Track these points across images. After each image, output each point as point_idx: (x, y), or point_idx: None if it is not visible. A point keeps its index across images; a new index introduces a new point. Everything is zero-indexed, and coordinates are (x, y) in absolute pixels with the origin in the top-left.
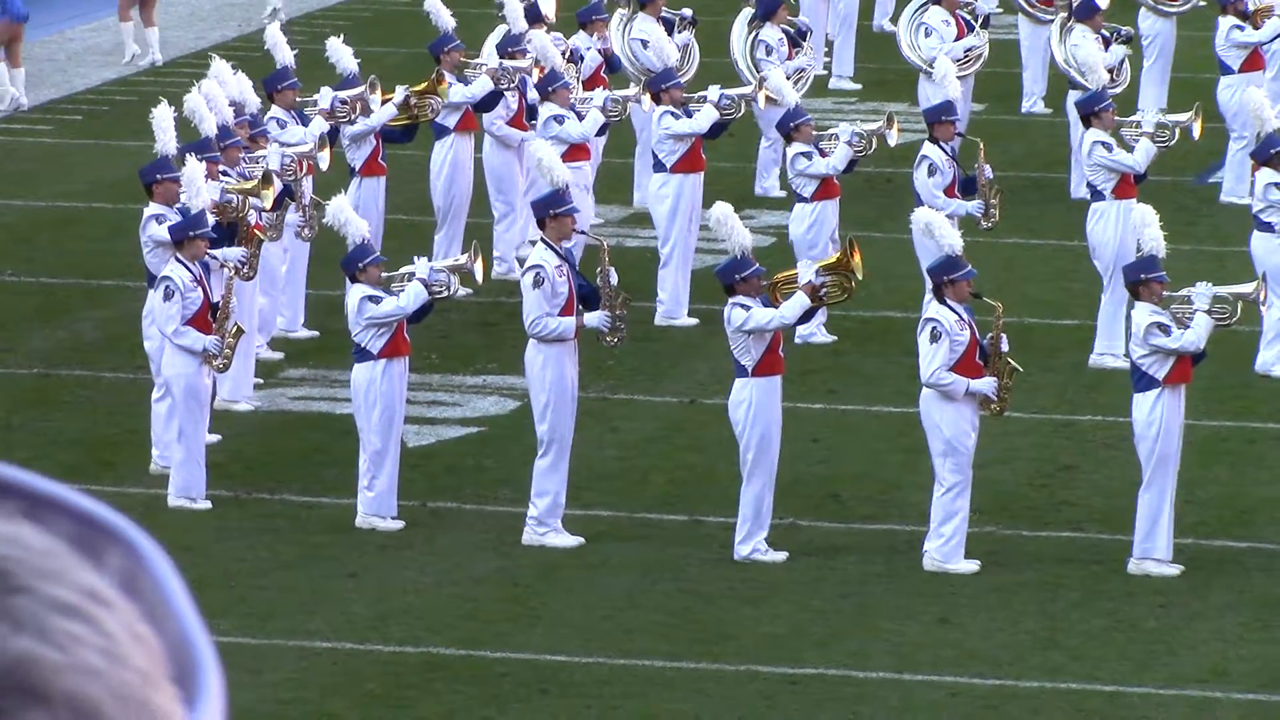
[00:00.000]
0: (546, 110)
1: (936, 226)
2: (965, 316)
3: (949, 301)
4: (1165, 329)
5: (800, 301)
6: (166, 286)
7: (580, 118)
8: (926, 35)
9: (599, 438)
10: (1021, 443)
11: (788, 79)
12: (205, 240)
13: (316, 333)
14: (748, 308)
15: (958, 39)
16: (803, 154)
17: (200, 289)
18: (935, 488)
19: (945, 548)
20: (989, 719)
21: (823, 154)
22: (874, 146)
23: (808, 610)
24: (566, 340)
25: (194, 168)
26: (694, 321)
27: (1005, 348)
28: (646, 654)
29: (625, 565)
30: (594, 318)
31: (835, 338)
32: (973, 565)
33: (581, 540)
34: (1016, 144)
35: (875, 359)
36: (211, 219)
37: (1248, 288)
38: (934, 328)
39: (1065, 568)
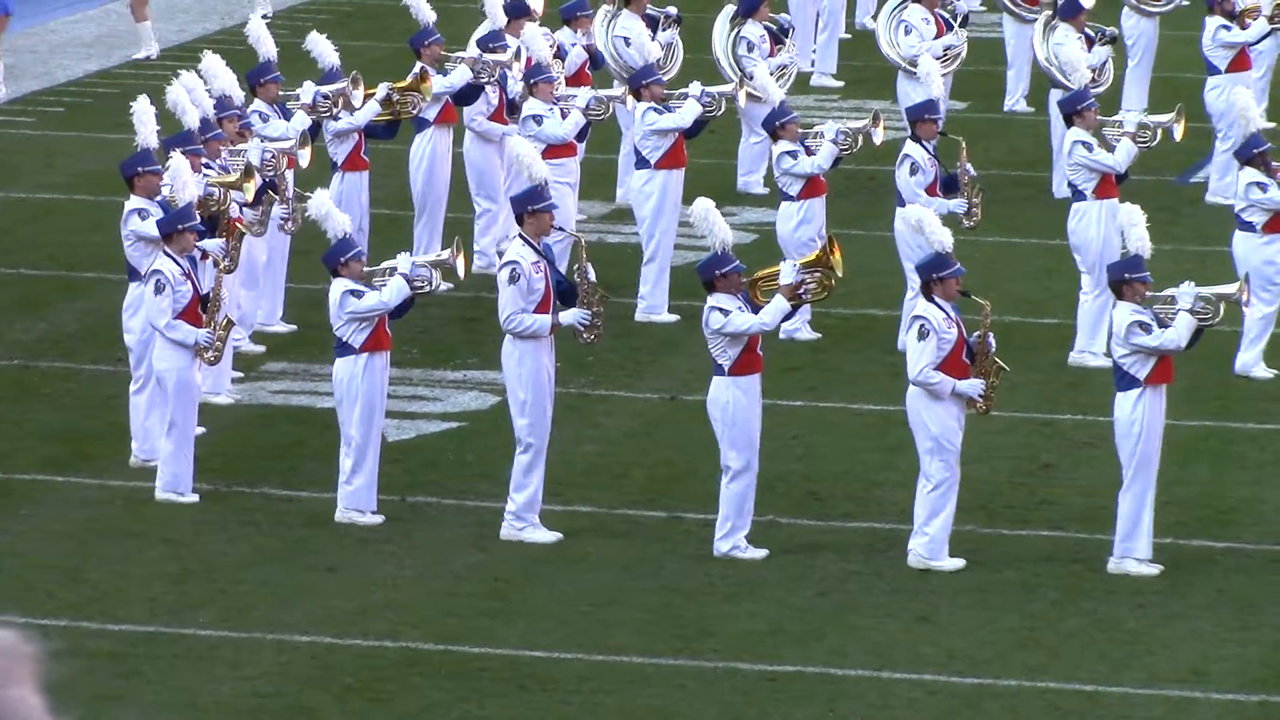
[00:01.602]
0: (528, 108)
1: (927, 223)
2: (953, 314)
3: (937, 299)
4: (1146, 328)
5: (779, 306)
6: (157, 280)
7: (563, 115)
8: (906, 33)
9: (579, 434)
10: (1002, 441)
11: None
12: (194, 233)
13: (294, 326)
14: (726, 311)
15: (937, 37)
16: (788, 153)
17: (190, 282)
18: (920, 484)
19: (930, 545)
20: (967, 717)
21: (809, 152)
22: (859, 144)
23: (787, 608)
24: (542, 337)
25: (180, 162)
26: (674, 318)
27: (993, 347)
28: (626, 650)
29: (605, 561)
30: (570, 315)
31: (819, 335)
32: (958, 563)
33: (560, 536)
34: (999, 142)
35: (856, 357)
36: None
37: (1231, 288)
38: (922, 325)
39: (1045, 567)
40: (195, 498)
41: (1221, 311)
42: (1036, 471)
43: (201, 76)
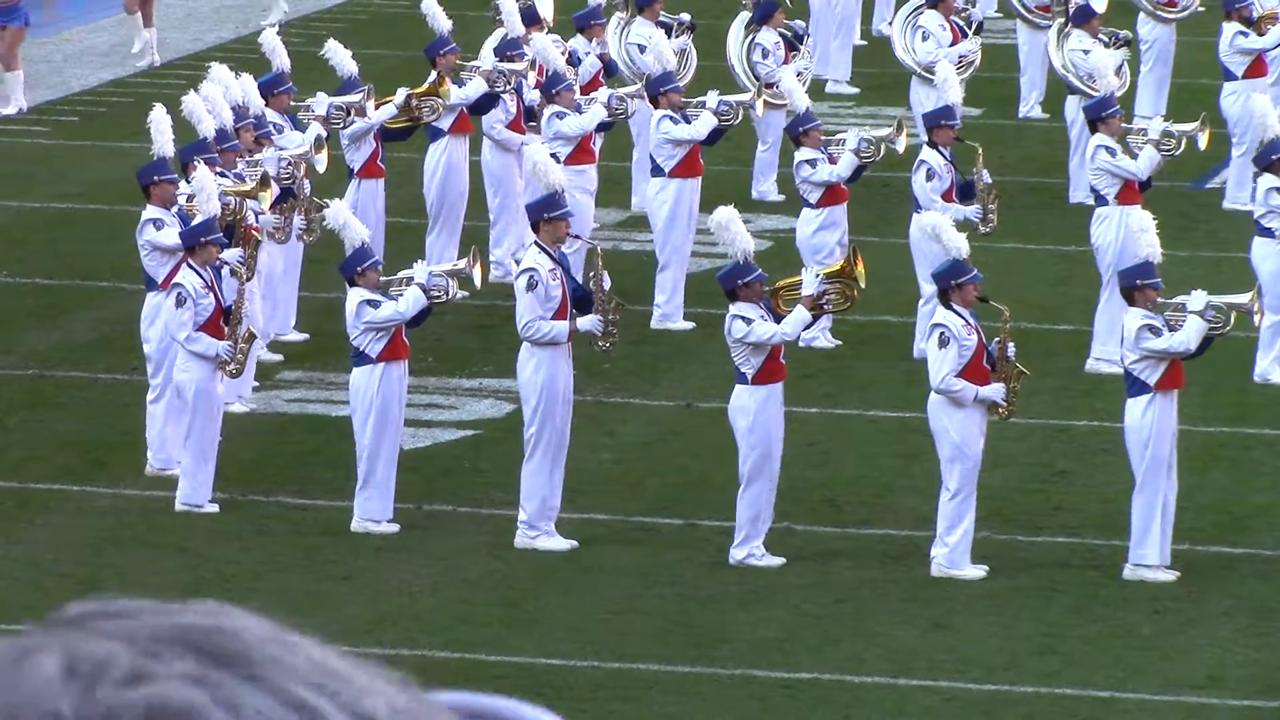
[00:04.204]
0: (550, 110)
1: (944, 230)
2: (972, 321)
3: (955, 306)
4: (1156, 331)
5: (801, 317)
6: (179, 293)
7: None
8: (924, 39)
9: (595, 441)
10: (1017, 448)
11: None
12: (217, 246)
13: (307, 335)
14: (749, 320)
15: (952, 44)
16: (807, 161)
17: (212, 294)
18: (942, 493)
19: (951, 554)
20: None
21: (831, 160)
22: (881, 153)
23: (803, 615)
24: (559, 344)
25: (205, 174)
26: (690, 325)
27: (1012, 352)
28: (642, 658)
29: (621, 569)
30: (587, 321)
31: (840, 343)
32: (980, 571)
33: (574, 544)
34: (1013, 149)
35: (872, 363)
36: None
37: (1243, 298)
38: (942, 333)
39: (1061, 573)
40: (215, 508)
41: (1232, 320)
42: (1052, 478)
43: (223, 86)
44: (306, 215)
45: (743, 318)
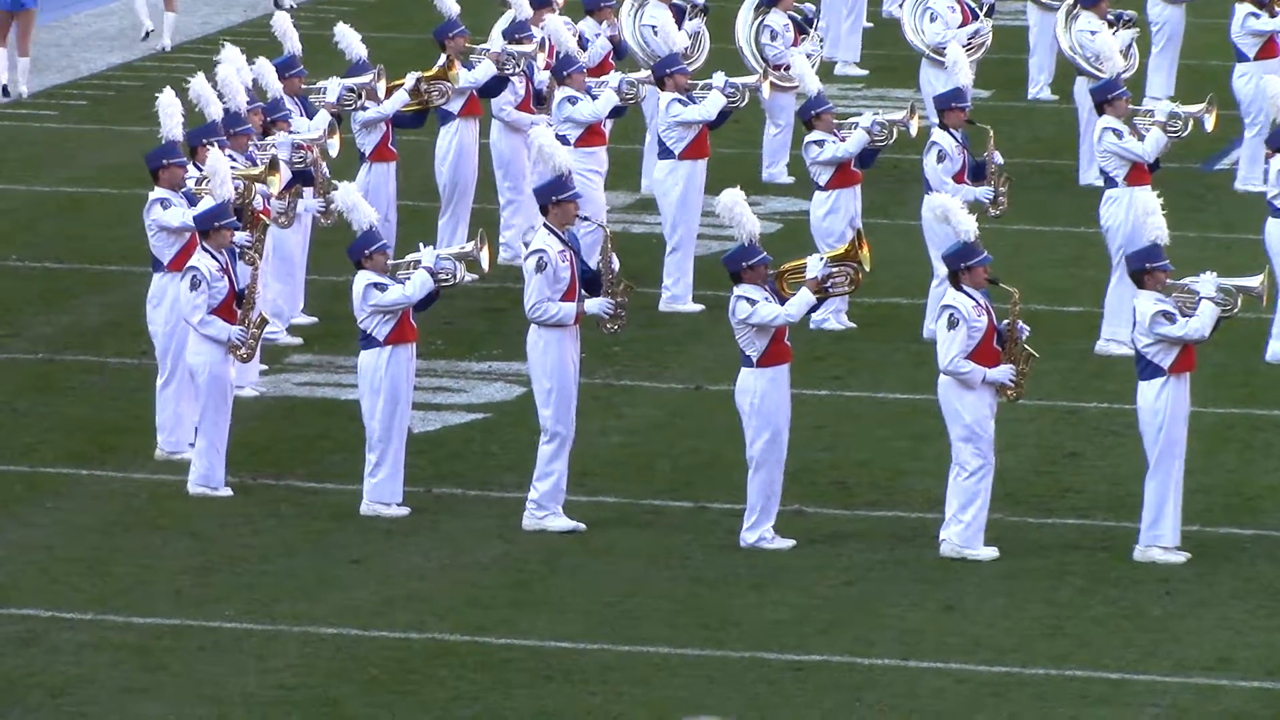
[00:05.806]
0: (561, 93)
1: (953, 212)
2: (982, 302)
3: (965, 288)
4: (1170, 317)
5: (805, 299)
6: (193, 276)
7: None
8: (932, 20)
9: (604, 424)
10: (1028, 429)
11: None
12: (231, 229)
13: (315, 318)
14: (753, 301)
15: (962, 25)
16: (814, 142)
17: (226, 278)
18: (954, 473)
19: (965, 533)
20: (994, 706)
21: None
22: (894, 137)
23: (813, 597)
24: (566, 325)
25: (218, 157)
26: (699, 308)
27: (1023, 335)
28: (651, 640)
29: (630, 551)
30: (595, 304)
31: (854, 325)
32: (992, 551)
33: (582, 524)
34: (1023, 130)
35: (881, 345)
36: None
37: (1252, 281)
38: (952, 314)
39: (1071, 555)
40: (228, 492)
41: (1240, 303)
42: (1062, 459)
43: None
44: (325, 198)
45: (747, 299)
